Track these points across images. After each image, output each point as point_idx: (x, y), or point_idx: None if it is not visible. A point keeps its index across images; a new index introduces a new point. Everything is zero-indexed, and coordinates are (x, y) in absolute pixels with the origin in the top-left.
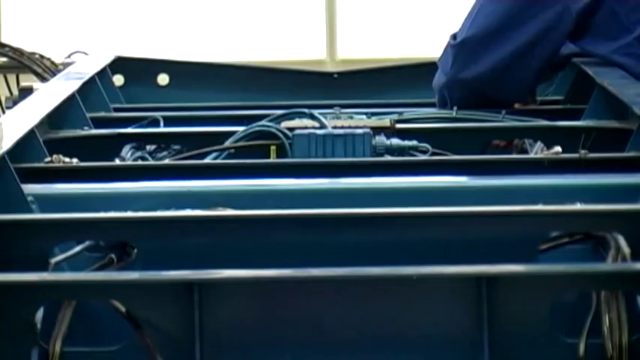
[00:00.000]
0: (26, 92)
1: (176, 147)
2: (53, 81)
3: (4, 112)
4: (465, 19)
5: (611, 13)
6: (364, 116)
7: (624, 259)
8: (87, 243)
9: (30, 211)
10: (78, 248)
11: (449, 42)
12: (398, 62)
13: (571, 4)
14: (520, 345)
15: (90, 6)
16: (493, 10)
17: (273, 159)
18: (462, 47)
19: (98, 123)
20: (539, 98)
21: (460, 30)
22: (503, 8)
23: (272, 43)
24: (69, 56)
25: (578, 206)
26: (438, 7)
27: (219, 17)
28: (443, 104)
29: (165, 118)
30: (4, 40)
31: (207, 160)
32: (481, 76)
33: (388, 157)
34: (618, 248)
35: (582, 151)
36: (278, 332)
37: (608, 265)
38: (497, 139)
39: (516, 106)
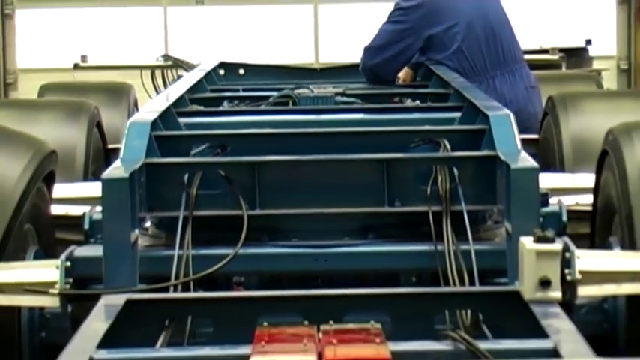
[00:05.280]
0: (180, 77)
1: (247, 101)
2: (192, 72)
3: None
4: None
5: (439, 40)
6: (331, 87)
7: (447, 151)
8: (206, 144)
9: (181, 130)
10: (202, 147)
11: (364, 47)
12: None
13: (422, 35)
14: (403, 191)
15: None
16: (382, 34)
17: (290, 107)
18: (367, 51)
19: (213, 90)
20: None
21: (370, 42)
22: (386, 34)
23: (280, 53)
24: (199, 62)
25: (427, 127)
26: None
27: (246, 35)
28: (367, 80)
29: (243, 89)
30: (170, 53)
31: (262, 107)
32: (374, 66)
33: (341, 106)
34: (446, 147)
35: (428, 103)
36: (288, 184)
37: (441, 154)
38: (394, 99)
39: (400, 82)
